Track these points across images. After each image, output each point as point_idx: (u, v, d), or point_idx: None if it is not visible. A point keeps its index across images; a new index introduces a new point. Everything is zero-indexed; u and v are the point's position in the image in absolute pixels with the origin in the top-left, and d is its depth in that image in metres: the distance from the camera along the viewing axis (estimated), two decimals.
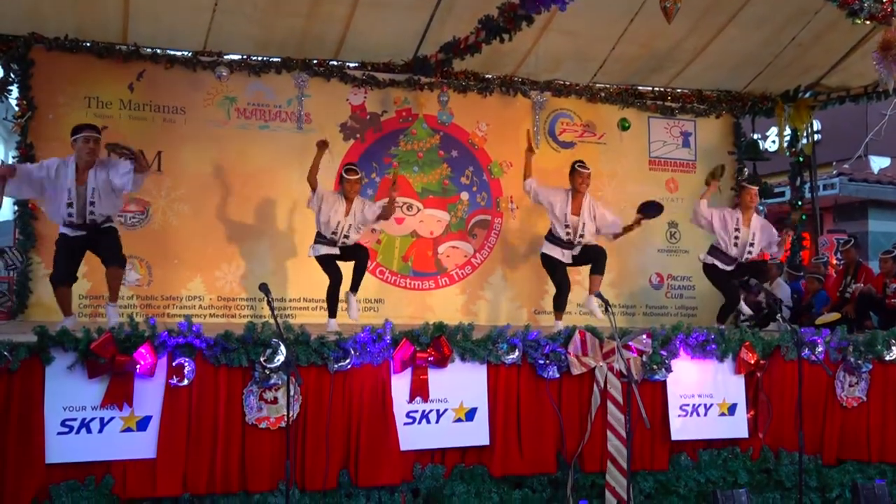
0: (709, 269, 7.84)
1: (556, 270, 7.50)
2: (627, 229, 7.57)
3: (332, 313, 6.99)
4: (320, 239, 7.13)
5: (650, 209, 7.66)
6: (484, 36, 7.40)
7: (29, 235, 7.67)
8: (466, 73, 9.02)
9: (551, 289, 7.99)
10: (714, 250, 7.79)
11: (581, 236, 7.38)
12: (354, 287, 7.18)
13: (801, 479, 5.80)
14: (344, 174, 7.14)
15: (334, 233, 7.05)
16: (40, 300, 7.62)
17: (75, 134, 6.08)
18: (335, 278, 7.05)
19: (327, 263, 7.10)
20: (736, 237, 7.63)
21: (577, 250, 7.48)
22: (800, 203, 10.64)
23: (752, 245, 7.65)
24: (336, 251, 7.13)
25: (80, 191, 6.02)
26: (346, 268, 7.16)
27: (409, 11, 7.91)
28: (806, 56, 9.04)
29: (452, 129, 9.09)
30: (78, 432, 4.78)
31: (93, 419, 4.81)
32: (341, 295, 7.10)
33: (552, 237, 7.51)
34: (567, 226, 7.35)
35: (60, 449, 4.74)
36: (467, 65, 8.74)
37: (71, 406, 4.78)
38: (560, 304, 7.48)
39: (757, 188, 7.84)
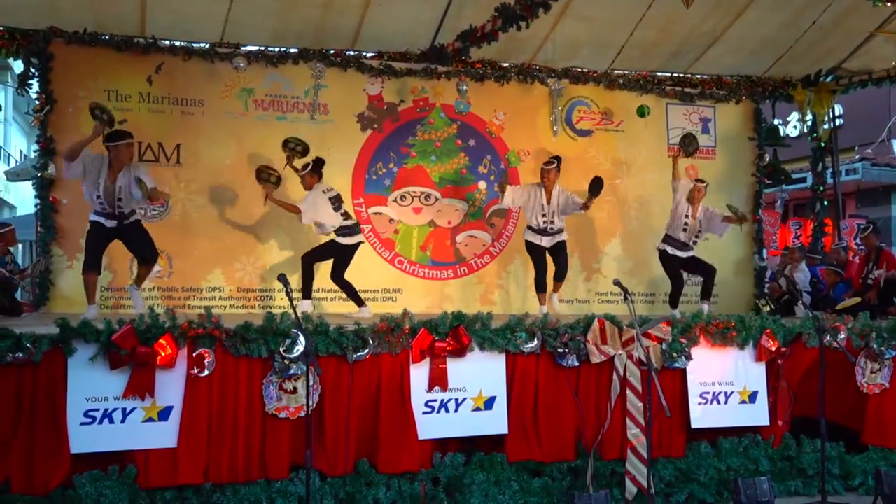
0: (660, 256, 8.14)
1: (536, 254, 7.97)
2: (584, 208, 7.86)
3: (361, 302, 7.24)
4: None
5: (595, 188, 7.79)
6: (501, 24, 7.37)
7: (50, 228, 7.74)
8: (483, 62, 8.97)
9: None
10: (667, 237, 8.11)
11: (552, 222, 7.86)
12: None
13: (824, 467, 5.76)
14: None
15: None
16: (62, 292, 7.71)
17: (116, 140, 6.40)
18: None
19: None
20: (685, 226, 7.90)
21: (550, 241, 7.90)
22: (822, 188, 10.54)
23: (699, 233, 7.96)
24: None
25: (109, 188, 6.40)
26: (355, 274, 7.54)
27: (426, 0, 7.88)
28: (827, 40, 8.92)
29: (470, 118, 9.05)
30: (101, 423, 4.85)
31: (115, 409, 4.87)
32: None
33: (530, 228, 7.98)
34: (544, 215, 7.83)
35: (84, 439, 4.81)
36: (484, 53, 8.69)
37: (93, 397, 4.85)
38: (540, 286, 7.92)
39: (705, 184, 7.96)
